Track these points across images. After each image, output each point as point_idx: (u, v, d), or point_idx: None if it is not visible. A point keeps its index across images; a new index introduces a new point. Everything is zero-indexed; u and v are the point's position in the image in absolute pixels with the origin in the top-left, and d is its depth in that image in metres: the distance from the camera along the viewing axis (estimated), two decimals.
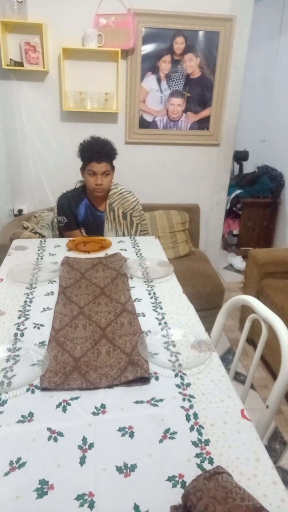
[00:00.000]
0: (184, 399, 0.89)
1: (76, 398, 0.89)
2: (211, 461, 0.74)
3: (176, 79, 2.67)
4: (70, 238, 1.89)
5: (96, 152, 1.89)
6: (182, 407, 0.87)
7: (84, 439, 0.78)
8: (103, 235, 2.05)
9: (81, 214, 2.05)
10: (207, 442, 0.78)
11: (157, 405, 0.87)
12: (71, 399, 0.88)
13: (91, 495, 0.67)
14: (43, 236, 2.20)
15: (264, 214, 3.64)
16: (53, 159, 2.77)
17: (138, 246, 1.83)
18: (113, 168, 1.99)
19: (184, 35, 2.56)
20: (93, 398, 0.88)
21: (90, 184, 1.95)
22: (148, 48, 2.57)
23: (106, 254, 1.70)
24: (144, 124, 2.75)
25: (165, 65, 2.63)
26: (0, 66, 2.41)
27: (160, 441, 0.78)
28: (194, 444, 0.77)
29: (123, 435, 0.79)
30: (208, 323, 1.25)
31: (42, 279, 1.45)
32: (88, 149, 1.92)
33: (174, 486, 0.69)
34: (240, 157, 3.80)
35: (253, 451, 0.76)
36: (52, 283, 1.43)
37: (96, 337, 1.10)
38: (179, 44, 2.58)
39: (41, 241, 1.86)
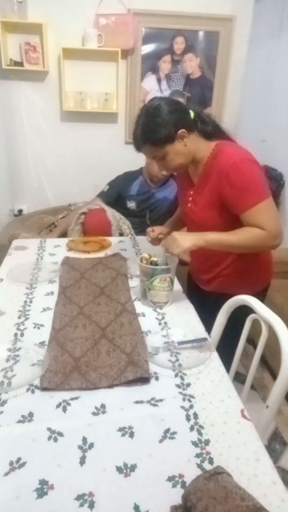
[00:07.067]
0: (184, 399, 0.89)
1: (76, 398, 0.88)
2: (211, 461, 0.74)
3: (176, 79, 2.67)
4: (70, 238, 1.89)
5: None
6: (182, 407, 0.87)
7: (84, 439, 0.78)
8: (151, 211, 2.25)
9: (134, 189, 2.25)
10: (207, 442, 0.78)
11: (157, 405, 0.87)
12: (71, 399, 0.88)
13: (91, 495, 0.67)
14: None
15: None
16: (53, 159, 2.77)
17: (138, 246, 1.83)
18: None
19: (184, 35, 2.56)
20: (93, 398, 0.88)
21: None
22: (148, 48, 2.57)
23: (106, 254, 1.70)
24: None
25: (165, 65, 2.63)
26: (0, 66, 2.41)
27: (160, 441, 0.78)
28: (194, 444, 0.77)
29: (123, 435, 0.79)
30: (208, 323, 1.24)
31: (42, 279, 1.45)
32: None
33: (174, 486, 0.69)
34: None
35: (253, 451, 0.76)
36: (52, 283, 1.43)
37: (96, 337, 1.10)
38: (179, 44, 2.58)
39: (41, 241, 1.86)
